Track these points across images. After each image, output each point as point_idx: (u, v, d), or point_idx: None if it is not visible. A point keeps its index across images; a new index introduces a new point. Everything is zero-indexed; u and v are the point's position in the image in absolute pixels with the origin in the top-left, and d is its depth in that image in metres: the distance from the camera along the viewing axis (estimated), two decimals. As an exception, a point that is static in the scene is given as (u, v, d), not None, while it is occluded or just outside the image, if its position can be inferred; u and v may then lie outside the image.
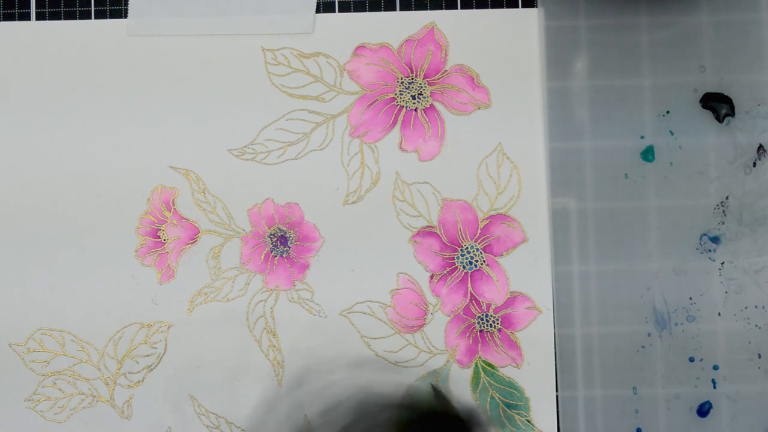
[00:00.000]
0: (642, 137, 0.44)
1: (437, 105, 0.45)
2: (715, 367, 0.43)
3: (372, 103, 0.45)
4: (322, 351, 0.44)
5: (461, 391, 0.44)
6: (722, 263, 0.44)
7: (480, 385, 0.44)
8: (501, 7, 0.45)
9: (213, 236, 0.45)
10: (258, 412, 0.44)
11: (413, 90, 0.45)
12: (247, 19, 0.45)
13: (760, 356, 0.43)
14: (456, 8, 0.45)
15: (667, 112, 0.44)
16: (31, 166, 0.45)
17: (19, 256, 0.45)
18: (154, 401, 0.44)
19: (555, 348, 0.44)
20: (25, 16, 0.46)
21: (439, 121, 0.45)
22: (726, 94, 0.44)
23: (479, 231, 0.44)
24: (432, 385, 0.43)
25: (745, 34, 0.44)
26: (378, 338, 0.44)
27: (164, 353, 0.44)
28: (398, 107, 0.45)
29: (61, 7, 0.46)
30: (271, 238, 0.45)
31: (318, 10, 0.46)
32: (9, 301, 0.45)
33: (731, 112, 0.44)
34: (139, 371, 0.45)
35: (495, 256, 0.44)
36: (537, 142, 0.45)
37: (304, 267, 0.45)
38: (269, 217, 0.45)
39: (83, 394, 0.45)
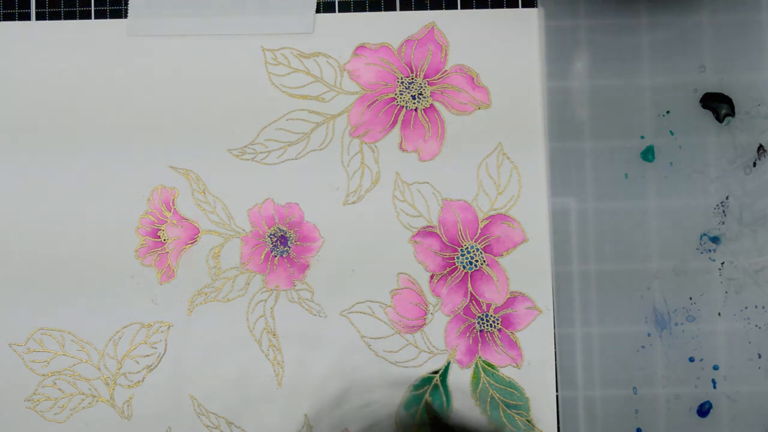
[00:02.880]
0: (642, 137, 0.44)
1: (437, 105, 0.45)
2: (715, 367, 0.43)
3: (372, 103, 0.45)
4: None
5: (461, 391, 0.44)
6: (722, 263, 0.44)
7: (480, 385, 0.44)
8: (501, 7, 0.45)
9: (213, 236, 0.45)
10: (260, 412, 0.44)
11: (413, 90, 0.45)
12: (247, 19, 0.45)
13: (760, 356, 0.43)
14: (456, 8, 0.45)
15: (667, 112, 0.44)
16: (31, 165, 0.45)
17: (19, 256, 0.45)
18: (154, 401, 0.44)
19: (555, 348, 0.44)
20: (25, 16, 0.46)
21: (439, 121, 0.45)
22: (726, 94, 0.44)
23: (479, 231, 0.44)
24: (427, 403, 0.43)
25: (745, 34, 0.44)
26: (378, 338, 0.44)
27: (164, 353, 0.44)
28: (398, 107, 0.45)
29: (61, 7, 0.46)
30: (271, 238, 0.45)
31: (318, 10, 0.46)
32: (9, 301, 0.45)
33: (731, 112, 0.44)
34: (139, 371, 0.45)
35: (495, 256, 0.44)
36: (537, 142, 0.45)
37: (304, 267, 0.45)
38: (269, 217, 0.45)
39: (83, 394, 0.45)
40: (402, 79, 0.45)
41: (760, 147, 0.44)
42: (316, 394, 0.44)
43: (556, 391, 0.44)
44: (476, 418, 0.44)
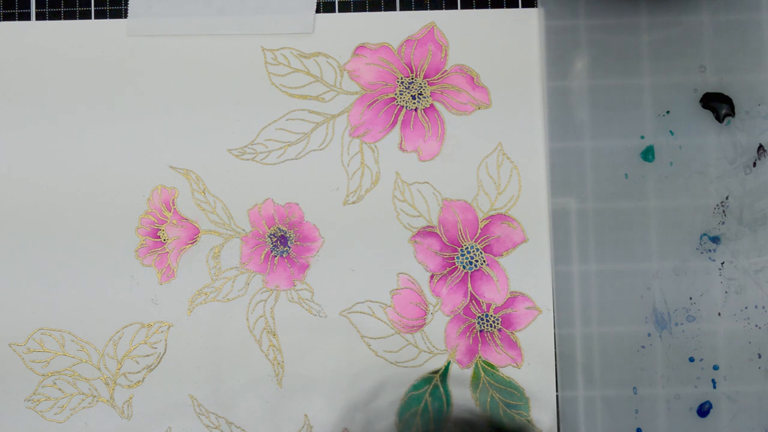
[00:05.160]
0: (642, 137, 0.44)
1: (437, 105, 0.45)
2: (715, 367, 0.43)
3: (372, 103, 0.45)
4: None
5: (461, 391, 0.44)
6: (722, 263, 0.44)
7: (480, 385, 0.44)
8: (501, 7, 0.45)
9: (213, 236, 0.45)
10: (260, 412, 0.44)
11: (413, 90, 0.45)
12: (247, 19, 0.45)
13: (760, 356, 0.43)
14: (456, 8, 0.45)
15: (667, 112, 0.44)
16: (31, 166, 0.45)
17: (19, 256, 0.45)
18: (154, 401, 0.44)
19: (555, 348, 0.44)
20: (25, 16, 0.46)
21: (439, 121, 0.45)
22: (726, 94, 0.44)
23: (479, 231, 0.44)
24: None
25: (745, 34, 0.44)
26: (378, 338, 0.44)
27: (164, 353, 0.44)
28: (398, 107, 0.45)
29: (61, 7, 0.46)
30: (271, 238, 0.45)
31: (318, 10, 0.46)
32: (9, 301, 0.45)
33: (731, 112, 0.44)
34: (139, 371, 0.45)
35: (495, 256, 0.44)
36: (537, 142, 0.45)
37: (304, 267, 0.45)
38: (269, 217, 0.45)
39: (83, 394, 0.45)
40: (402, 79, 0.45)
41: (760, 147, 0.44)
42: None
43: (556, 391, 0.44)
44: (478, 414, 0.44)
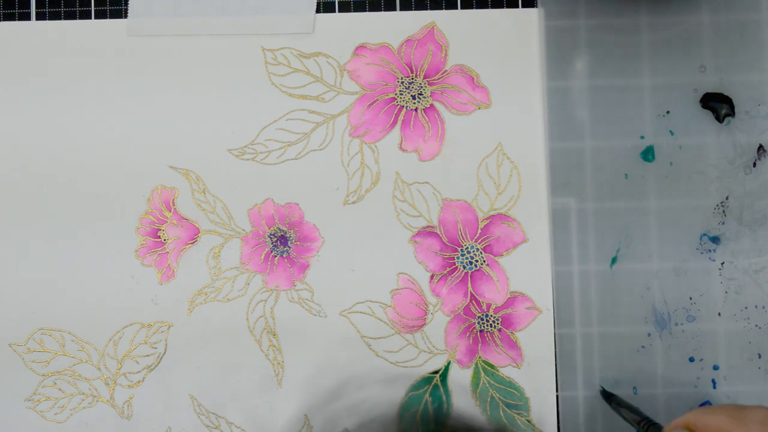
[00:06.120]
0: (642, 137, 0.44)
1: (437, 105, 0.45)
2: (715, 367, 0.43)
3: (372, 103, 0.45)
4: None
5: (461, 391, 0.44)
6: (722, 263, 0.44)
7: (480, 385, 0.44)
8: (501, 7, 0.45)
9: (213, 236, 0.45)
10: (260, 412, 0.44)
11: (413, 90, 0.45)
12: (247, 19, 0.45)
13: (760, 356, 0.43)
14: (456, 8, 0.45)
15: (667, 112, 0.44)
16: (31, 166, 0.45)
17: (19, 256, 0.45)
18: (154, 401, 0.44)
19: (555, 348, 0.44)
20: (25, 16, 0.46)
21: (439, 121, 0.45)
22: (726, 94, 0.44)
23: (479, 231, 0.44)
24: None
25: (745, 34, 0.44)
26: (378, 338, 0.44)
27: (164, 353, 0.44)
28: (398, 107, 0.45)
29: (61, 7, 0.46)
30: (271, 238, 0.45)
31: (318, 10, 0.46)
32: (9, 301, 0.45)
33: (731, 112, 0.44)
34: (139, 371, 0.45)
35: (495, 256, 0.44)
36: (537, 142, 0.45)
37: (304, 267, 0.45)
38: (269, 217, 0.45)
39: (83, 394, 0.45)
40: (402, 79, 0.45)
41: (760, 147, 0.44)
42: (311, 389, 0.44)
43: (556, 391, 0.44)
44: (478, 418, 0.44)
